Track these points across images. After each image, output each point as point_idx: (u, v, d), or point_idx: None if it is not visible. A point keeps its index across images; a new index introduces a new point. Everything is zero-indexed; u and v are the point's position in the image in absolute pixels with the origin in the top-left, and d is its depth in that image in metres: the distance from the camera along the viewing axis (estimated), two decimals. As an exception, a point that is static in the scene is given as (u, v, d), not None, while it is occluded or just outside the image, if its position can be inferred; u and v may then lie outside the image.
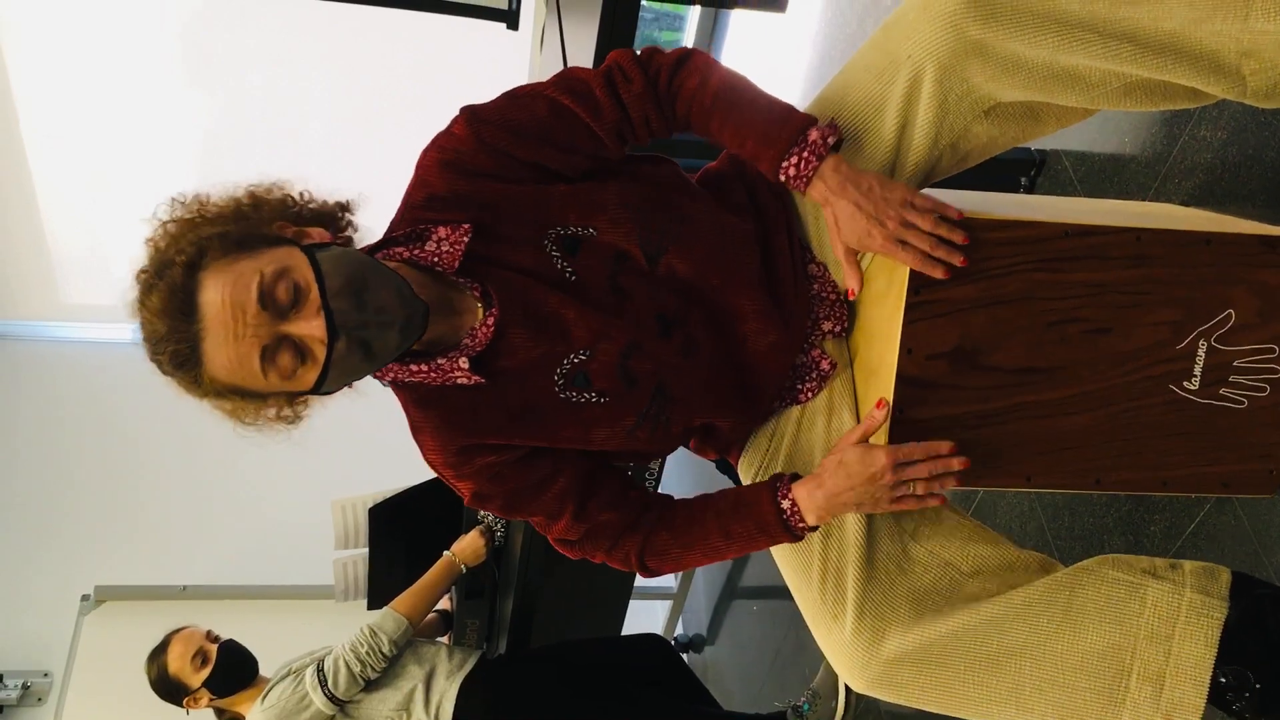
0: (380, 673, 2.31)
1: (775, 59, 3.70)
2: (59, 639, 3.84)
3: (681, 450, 1.42)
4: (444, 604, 2.87)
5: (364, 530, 2.79)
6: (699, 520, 1.29)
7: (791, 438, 1.35)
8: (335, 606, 2.94)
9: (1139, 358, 1.27)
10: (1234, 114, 1.66)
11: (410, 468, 2.26)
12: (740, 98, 1.20)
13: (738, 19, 4.07)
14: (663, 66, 1.22)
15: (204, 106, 4.28)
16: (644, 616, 4.03)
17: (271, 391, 1.15)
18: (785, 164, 1.18)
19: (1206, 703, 1.20)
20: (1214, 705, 1.23)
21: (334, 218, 1.26)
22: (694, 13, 4.21)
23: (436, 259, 1.19)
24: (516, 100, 1.22)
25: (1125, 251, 1.24)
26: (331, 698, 2.23)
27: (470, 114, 1.21)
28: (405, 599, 2.42)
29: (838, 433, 1.34)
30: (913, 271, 1.21)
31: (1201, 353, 1.28)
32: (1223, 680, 1.22)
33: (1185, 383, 1.29)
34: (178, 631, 2.50)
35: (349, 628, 2.34)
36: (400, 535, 2.78)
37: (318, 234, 1.19)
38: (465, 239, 1.18)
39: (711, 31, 4.20)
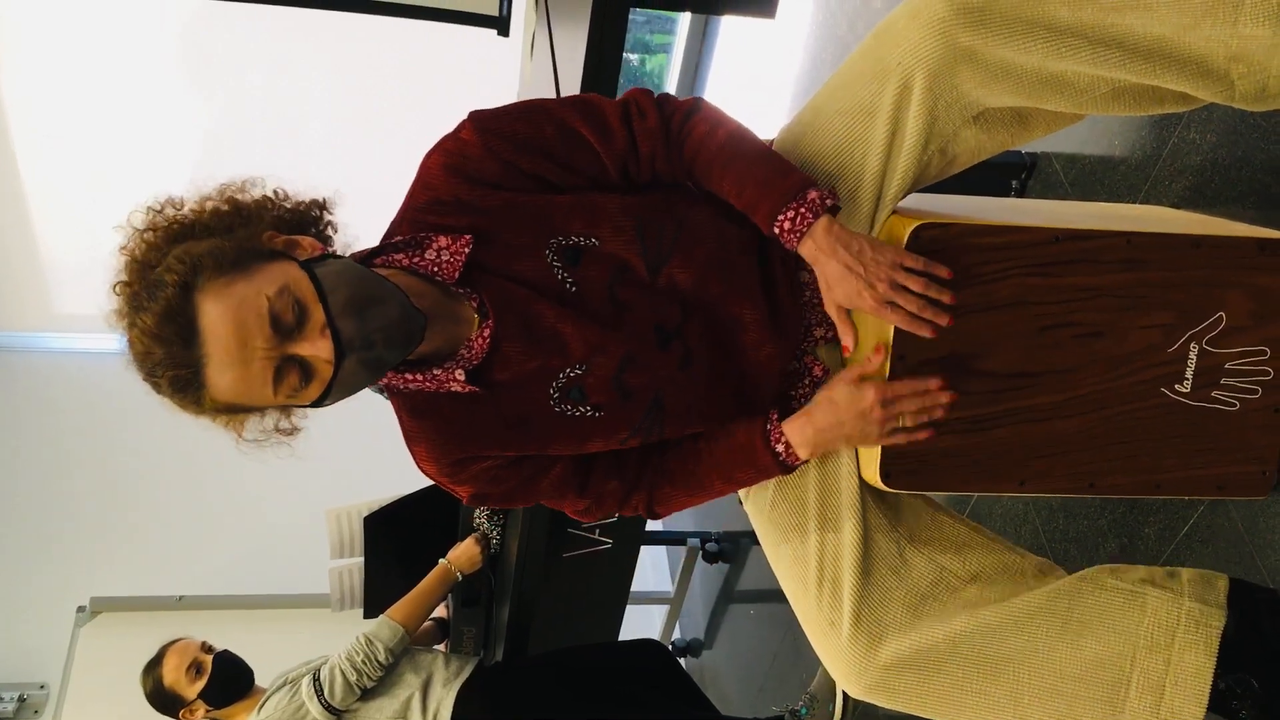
0: (377, 681, 2.30)
1: (765, 64, 3.71)
2: (55, 651, 3.82)
3: None
4: (440, 612, 2.86)
5: (359, 539, 2.79)
6: (699, 470, 1.30)
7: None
8: (331, 615, 2.94)
9: (1131, 361, 1.28)
10: (1223, 117, 1.66)
11: (405, 476, 2.26)
12: (745, 150, 1.22)
13: (728, 24, 4.07)
14: (677, 110, 1.24)
15: (199, 111, 4.27)
16: (641, 621, 4.02)
17: (272, 406, 1.16)
18: (781, 217, 1.18)
19: (1209, 710, 1.21)
20: (1217, 712, 1.23)
21: (312, 218, 1.26)
22: (685, 17, 4.21)
23: (436, 269, 1.19)
24: (527, 114, 1.22)
25: (1116, 255, 1.25)
26: (328, 707, 2.23)
27: (478, 120, 1.21)
28: (401, 607, 2.41)
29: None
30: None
31: (1193, 356, 1.28)
32: (1223, 687, 1.22)
33: (1177, 386, 1.29)
34: (173, 643, 2.49)
35: (345, 637, 2.34)
36: (395, 543, 2.78)
37: (309, 244, 1.18)
38: (466, 250, 1.18)
39: (702, 37, 4.20)
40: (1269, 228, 1.31)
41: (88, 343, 4.43)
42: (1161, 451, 1.31)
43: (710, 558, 3.76)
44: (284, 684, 2.31)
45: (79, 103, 4.11)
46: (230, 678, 2.46)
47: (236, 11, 3.32)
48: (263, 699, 2.31)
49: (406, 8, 2.69)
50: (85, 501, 4.30)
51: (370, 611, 2.77)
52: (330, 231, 1.27)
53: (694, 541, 3.77)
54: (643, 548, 2.85)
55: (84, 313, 4.45)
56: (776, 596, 1.37)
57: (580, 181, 1.23)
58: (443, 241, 1.19)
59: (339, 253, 1.23)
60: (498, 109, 1.23)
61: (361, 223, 1.30)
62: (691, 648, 4.08)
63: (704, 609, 4.07)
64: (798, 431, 1.25)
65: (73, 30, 3.99)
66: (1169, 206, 1.72)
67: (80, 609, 3.88)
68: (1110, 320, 1.26)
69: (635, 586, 2.72)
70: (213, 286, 1.07)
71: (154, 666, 2.46)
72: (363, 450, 2.88)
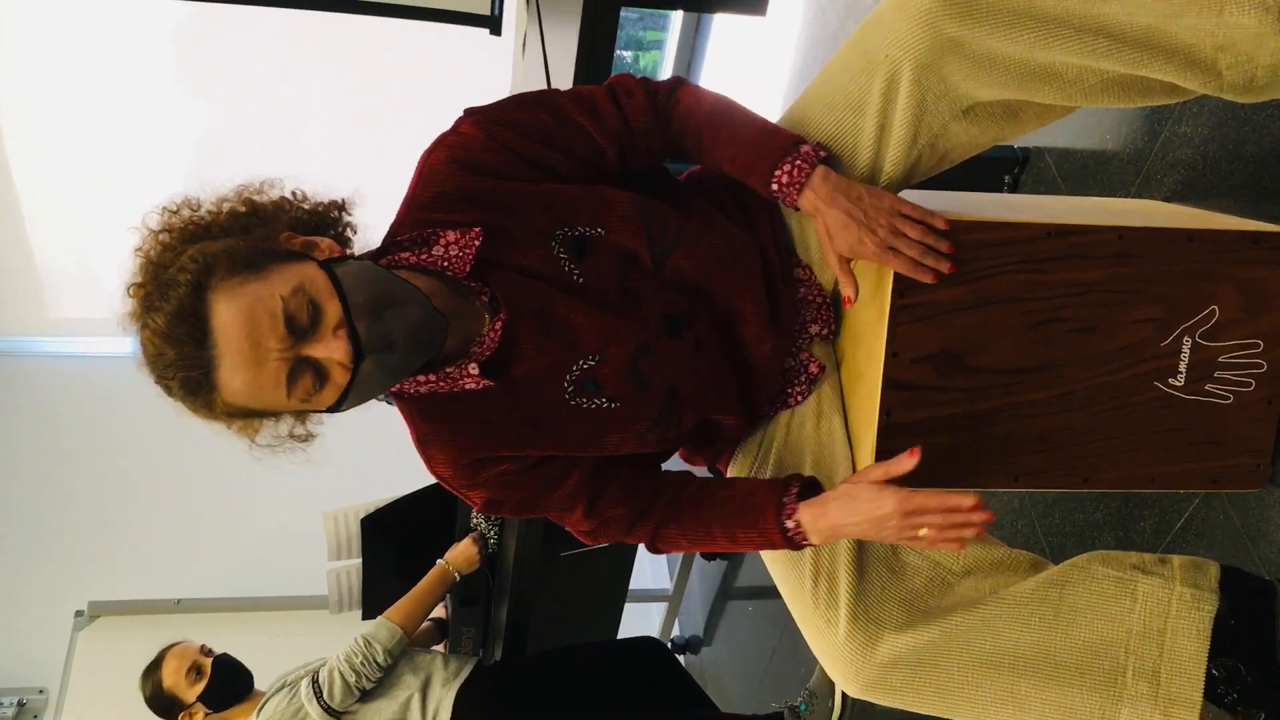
0: (376, 683, 2.30)
1: (758, 61, 3.70)
2: (53, 655, 3.82)
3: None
4: (439, 612, 2.86)
5: (357, 540, 2.79)
6: (706, 523, 1.28)
7: (781, 441, 1.35)
8: (329, 617, 2.94)
9: (1124, 356, 1.28)
10: (1214, 109, 1.66)
11: (402, 477, 2.26)
12: (732, 116, 1.23)
13: (720, 22, 4.07)
14: (660, 88, 1.26)
15: (195, 114, 4.26)
16: (640, 619, 4.03)
17: (286, 410, 1.14)
18: (778, 173, 1.19)
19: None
20: (1205, 698, 1.23)
21: (331, 219, 1.25)
22: (677, 15, 4.21)
23: (446, 263, 1.18)
24: (521, 104, 1.23)
25: (1108, 250, 1.25)
26: (327, 709, 2.23)
27: (476, 113, 1.22)
28: (399, 608, 2.41)
29: (827, 435, 1.34)
30: (897, 275, 1.21)
31: (1186, 349, 1.28)
32: (1214, 673, 1.23)
33: (1171, 379, 1.29)
34: (171, 647, 2.50)
35: (343, 638, 2.34)
36: (393, 544, 2.78)
37: (327, 245, 1.16)
38: (476, 243, 1.17)
39: (694, 34, 4.19)
40: (1261, 220, 1.31)
41: (83, 346, 4.42)
42: (1156, 445, 1.31)
43: (708, 555, 3.76)
44: (283, 686, 2.30)
45: (75, 105, 4.10)
46: (229, 680, 2.46)
47: (229, 14, 3.32)
48: (262, 701, 2.31)
49: (397, 8, 2.68)
50: (82, 505, 4.29)
51: (368, 613, 2.77)
52: (349, 233, 1.26)
53: (692, 539, 3.77)
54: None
55: (79, 317, 4.45)
56: (774, 593, 1.37)
57: (581, 167, 1.23)
58: (451, 236, 1.18)
59: (356, 254, 1.21)
60: (492, 103, 1.23)
61: (361, 220, 1.29)
62: (691, 645, 4.08)
63: (702, 606, 4.07)
64: (811, 520, 1.21)
65: (68, 32, 3.98)
66: (1161, 200, 1.73)
67: (79, 613, 3.88)
68: (1103, 315, 1.26)
69: (633, 584, 2.73)
70: (226, 286, 1.06)
71: (153, 670, 2.46)
72: (360, 453, 2.87)
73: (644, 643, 2.73)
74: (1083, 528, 1.90)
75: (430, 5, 2.71)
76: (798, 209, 1.22)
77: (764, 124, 1.23)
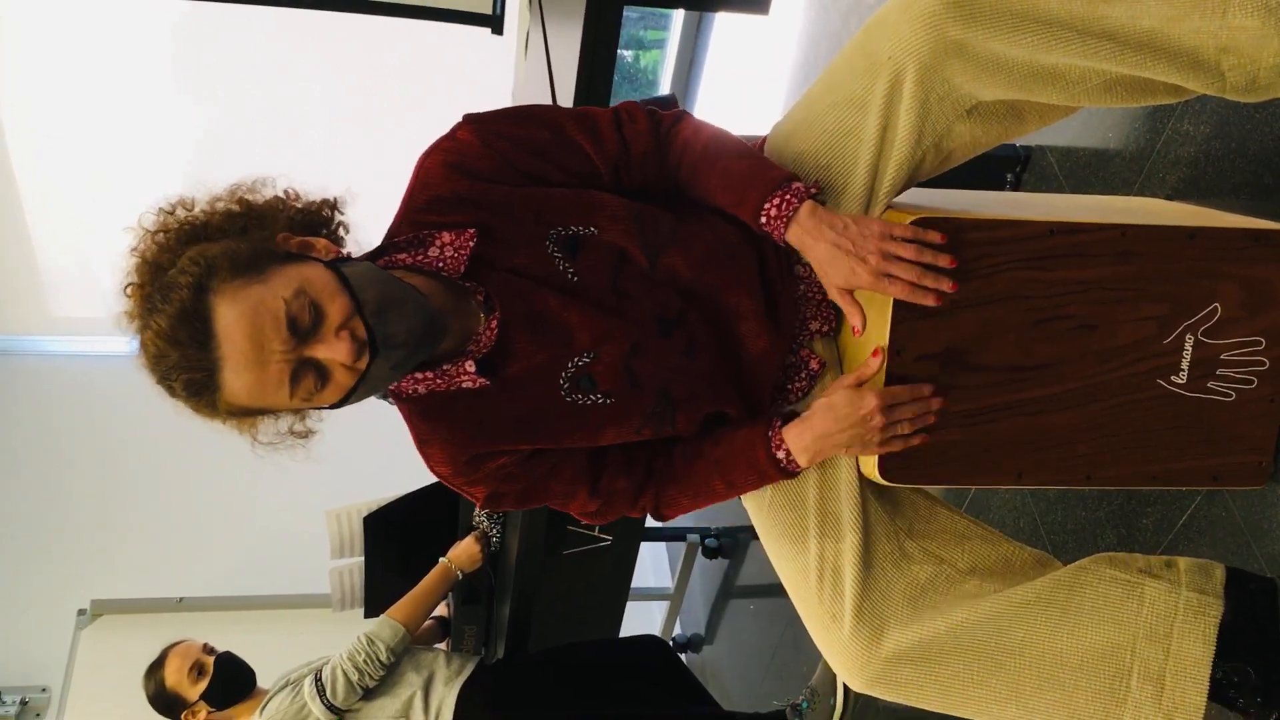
0: (378, 681, 2.30)
1: (760, 60, 3.70)
2: (56, 654, 3.82)
3: None
4: (441, 610, 2.86)
5: (359, 539, 2.79)
6: (702, 473, 1.30)
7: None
8: (332, 616, 2.94)
9: (1126, 353, 1.28)
10: (1216, 108, 1.66)
11: (405, 476, 2.27)
12: (728, 150, 1.24)
13: (722, 20, 4.07)
14: (664, 118, 1.27)
15: (195, 113, 4.26)
16: (642, 617, 4.03)
17: (287, 409, 1.16)
18: (767, 206, 1.19)
19: (1209, 700, 1.21)
20: (1217, 702, 1.24)
21: (324, 218, 1.26)
22: (678, 13, 4.21)
23: (441, 263, 1.20)
24: (521, 117, 1.24)
25: (1111, 248, 1.25)
26: (330, 707, 2.23)
27: (474, 120, 1.23)
28: (402, 606, 2.42)
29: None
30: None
31: (1188, 347, 1.28)
32: (1220, 676, 1.23)
33: (1173, 377, 1.29)
34: (174, 645, 2.50)
35: (346, 637, 2.34)
36: (395, 543, 2.78)
37: (323, 245, 1.18)
38: (470, 243, 1.19)
39: (696, 32, 4.20)
40: (1263, 218, 1.31)
41: (85, 345, 4.43)
42: (1158, 442, 1.31)
43: (710, 553, 3.77)
44: (286, 685, 2.31)
45: (75, 104, 4.10)
46: (232, 679, 2.46)
47: (230, 14, 3.32)
48: (265, 700, 2.31)
49: (398, 7, 2.68)
50: (84, 504, 4.29)
51: (371, 611, 2.77)
52: (342, 232, 1.28)
53: (693, 537, 3.78)
54: (642, 544, 2.85)
55: (80, 316, 4.45)
56: (776, 591, 1.37)
57: (573, 181, 1.25)
58: (446, 238, 1.20)
59: (352, 254, 1.23)
60: (491, 111, 1.24)
61: (358, 222, 1.30)
62: (692, 643, 4.09)
63: (704, 604, 4.08)
64: (796, 438, 1.24)
65: (69, 32, 3.98)
66: (1163, 199, 1.73)
67: (81, 612, 3.88)
68: (1105, 312, 1.27)
69: (635, 583, 2.73)
70: (228, 289, 1.07)
71: (156, 668, 2.46)
72: (362, 451, 2.87)
73: (646, 641, 2.73)
74: (1085, 525, 1.90)
75: (431, 4, 2.71)
76: (786, 244, 1.22)
77: (758, 159, 1.24)
